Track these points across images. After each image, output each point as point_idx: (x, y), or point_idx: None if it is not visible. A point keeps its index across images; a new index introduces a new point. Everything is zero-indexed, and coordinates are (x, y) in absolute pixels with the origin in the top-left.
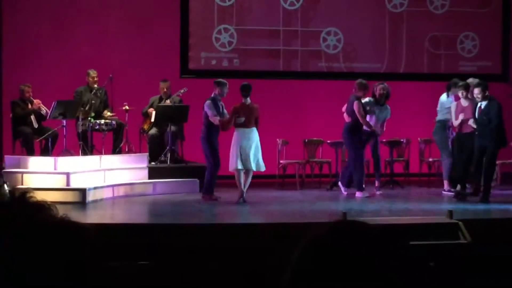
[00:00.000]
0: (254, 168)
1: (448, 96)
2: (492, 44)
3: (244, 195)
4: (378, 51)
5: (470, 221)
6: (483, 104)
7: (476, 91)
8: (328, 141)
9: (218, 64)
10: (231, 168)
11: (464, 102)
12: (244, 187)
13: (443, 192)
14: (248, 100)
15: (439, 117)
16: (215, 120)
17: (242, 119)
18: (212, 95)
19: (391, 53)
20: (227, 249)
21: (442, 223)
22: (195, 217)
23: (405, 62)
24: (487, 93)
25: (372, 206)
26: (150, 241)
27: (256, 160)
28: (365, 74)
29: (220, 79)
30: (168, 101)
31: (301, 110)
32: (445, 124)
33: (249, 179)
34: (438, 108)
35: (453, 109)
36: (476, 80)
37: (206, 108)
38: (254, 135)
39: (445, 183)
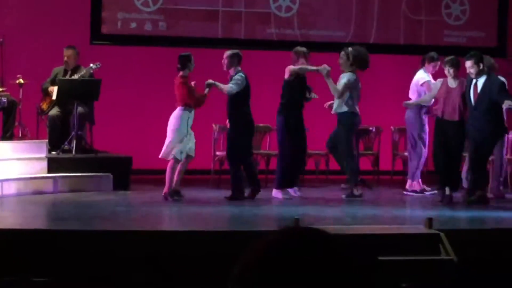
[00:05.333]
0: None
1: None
2: (486, 9)
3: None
4: (342, 16)
5: (454, 232)
6: (480, 81)
7: (468, 64)
8: None
9: (139, 28)
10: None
11: (451, 83)
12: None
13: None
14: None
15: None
16: None
17: None
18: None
19: (358, 18)
20: (148, 261)
21: (418, 234)
22: (108, 221)
23: (376, 30)
24: (482, 67)
25: (332, 211)
26: (48, 252)
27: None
28: (325, 44)
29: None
30: (75, 76)
31: None
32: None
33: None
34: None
35: (435, 88)
36: (486, 58)
37: None
38: None
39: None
